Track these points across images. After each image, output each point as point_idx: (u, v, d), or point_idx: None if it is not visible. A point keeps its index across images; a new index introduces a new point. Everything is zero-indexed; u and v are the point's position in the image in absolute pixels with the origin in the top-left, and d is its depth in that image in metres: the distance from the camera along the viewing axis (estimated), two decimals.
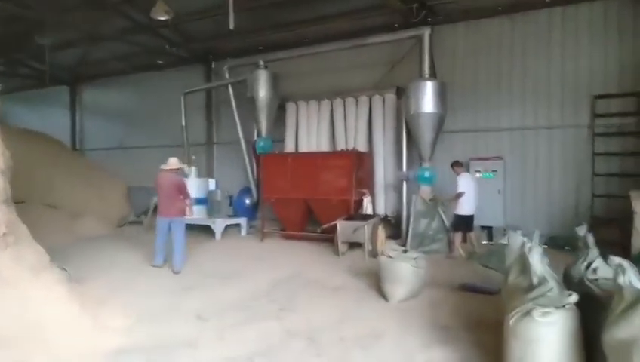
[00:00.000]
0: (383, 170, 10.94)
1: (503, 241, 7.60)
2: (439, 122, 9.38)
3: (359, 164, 10.01)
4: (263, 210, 11.04)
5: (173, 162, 8.00)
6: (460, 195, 8.55)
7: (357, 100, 11.34)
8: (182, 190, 7.91)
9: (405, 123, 10.07)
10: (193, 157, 12.71)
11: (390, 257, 6.07)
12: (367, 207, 9.94)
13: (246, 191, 12.44)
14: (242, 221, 11.90)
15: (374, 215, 9.90)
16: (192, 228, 12.23)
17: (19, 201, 11.45)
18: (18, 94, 19.86)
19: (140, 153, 16.07)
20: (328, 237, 9.46)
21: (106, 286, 6.66)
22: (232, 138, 13.42)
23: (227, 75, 12.30)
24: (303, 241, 10.44)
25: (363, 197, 9.97)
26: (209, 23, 11.75)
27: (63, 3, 11.02)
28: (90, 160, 17.36)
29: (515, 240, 5.12)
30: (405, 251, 6.31)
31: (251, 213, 12.49)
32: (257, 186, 11.93)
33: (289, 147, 12.12)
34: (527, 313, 3.72)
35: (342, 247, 8.78)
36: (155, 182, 8.00)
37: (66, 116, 18.10)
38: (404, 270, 5.93)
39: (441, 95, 9.34)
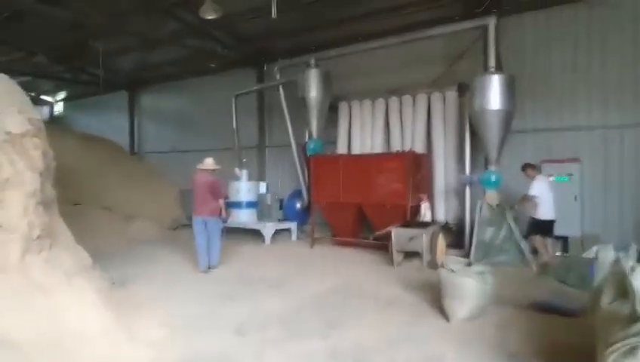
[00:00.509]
0: (443, 174, 10.11)
1: (588, 254, 6.66)
2: (507, 120, 8.45)
3: (416, 166, 9.26)
4: (314, 214, 10.52)
5: (209, 162, 8.00)
6: (531, 199, 7.62)
7: (414, 99, 10.59)
8: (214, 190, 7.87)
9: (469, 122, 9.21)
10: (244, 159, 12.46)
11: (452, 271, 5.33)
12: (425, 214, 9.16)
13: (297, 194, 12.01)
14: (292, 225, 11.47)
15: (433, 222, 9.11)
16: (241, 232, 12.02)
17: (76, 203, 11.86)
18: (80, 101, 20.79)
19: (192, 157, 16.01)
20: (382, 245, 8.79)
21: (146, 292, 6.40)
22: (283, 141, 13.09)
23: (278, 76, 11.95)
24: (355, 248, 9.84)
25: (421, 203, 9.20)
26: (260, 23, 11.46)
27: (117, 8, 11.15)
28: (146, 163, 17.75)
29: (607, 254, 4.28)
30: (469, 264, 5.53)
31: (302, 217, 12.04)
32: (308, 190, 11.46)
33: (341, 149, 11.55)
34: (632, 350, 3.01)
35: (397, 257, 8.08)
36: (192, 182, 8.08)
37: (125, 120, 18.59)
38: (469, 286, 5.17)
39: (509, 90, 8.41)
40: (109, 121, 19.36)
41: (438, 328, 5.13)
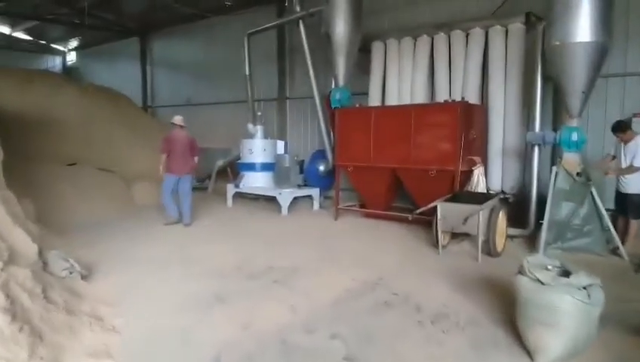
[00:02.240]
0: (501, 131, 8.00)
1: None
2: (599, 58, 6.22)
3: (470, 121, 7.23)
4: (338, 180, 8.68)
5: (180, 119, 8.08)
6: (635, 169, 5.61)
7: (467, 35, 8.36)
8: (195, 148, 8.09)
9: (541, 62, 7.02)
10: (259, 113, 10.63)
11: (540, 282, 3.46)
12: (478, 182, 7.19)
13: (320, 155, 10.18)
14: (314, 192, 9.73)
15: (489, 193, 7.15)
16: (253, 199, 10.44)
17: (71, 163, 10.42)
18: (92, 49, 19.23)
19: (207, 110, 14.46)
20: (421, 219, 6.97)
21: (113, 288, 4.84)
22: (306, 92, 11.14)
23: (298, 8, 9.78)
24: (389, 222, 8.05)
25: (474, 168, 7.22)
26: None
27: None
28: (157, 118, 16.24)
29: None
30: (565, 272, 3.62)
31: (326, 182, 10.27)
32: (333, 150, 9.62)
33: (374, 99, 9.54)
34: None
35: (443, 239, 6.23)
36: (166, 139, 7.91)
37: (138, 71, 16.94)
38: (569, 310, 3.32)
39: (603, 16, 6.14)
40: (121, 72, 17.81)
41: None
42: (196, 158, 8.09)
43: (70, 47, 20.43)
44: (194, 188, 11.83)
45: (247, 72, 10.89)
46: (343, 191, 9.00)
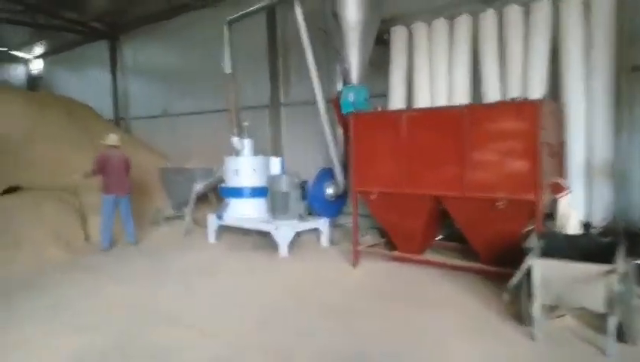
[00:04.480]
0: (583, 140, 5.78)
1: None
2: None
3: (548, 127, 4.98)
4: (356, 210, 6.33)
5: (115, 138, 7.85)
6: None
7: (527, 9, 6.16)
8: (129, 167, 7.93)
9: None
10: (245, 123, 8.32)
11: None
12: (567, 216, 4.94)
13: (326, 175, 7.89)
14: (322, 224, 7.43)
15: (589, 229, 4.88)
16: (242, 234, 8.13)
17: (11, 188, 8.08)
18: (60, 56, 16.91)
19: (186, 122, 12.20)
20: (483, 269, 4.71)
21: None
22: (306, 96, 8.92)
23: None
24: (431, 269, 5.77)
25: (558, 196, 4.97)
26: None
27: None
28: (131, 132, 13.95)
29: None
30: None
31: (335, 208, 8.02)
32: (344, 167, 7.38)
33: (395, 102, 7.30)
34: None
35: (537, 312, 3.91)
36: (99, 160, 7.61)
37: (107, 78, 14.61)
38: None
39: None
40: (91, 81, 15.47)
41: None
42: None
43: (35, 55, 18.07)
44: (168, 218, 9.59)
45: (228, 70, 8.55)
46: (361, 217, 6.70)
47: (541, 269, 3.74)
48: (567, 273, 3.70)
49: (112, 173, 7.59)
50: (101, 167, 7.54)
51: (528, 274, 3.87)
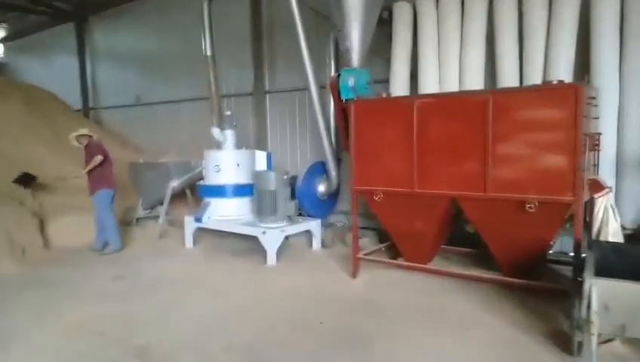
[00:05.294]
0: (615, 130, 5.09)
1: None
2: None
3: (586, 117, 4.24)
4: (355, 212, 5.51)
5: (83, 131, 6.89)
6: None
7: None
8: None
9: None
10: (227, 112, 7.41)
11: None
12: (606, 220, 4.23)
13: (318, 170, 7.06)
14: (314, 226, 6.62)
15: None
16: (224, 237, 7.25)
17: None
18: (22, 41, 15.63)
19: (161, 111, 11.22)
20: (507, 281, 4.05)
21: None
22: (294, 83, 8.08)
23: None
24: (440, 279, 5.02)
25: (596, 196, 4.26)
26: None
27: None
28: (102, 123, 12.91)
29: None
30: None
31: (327, 207, 7.24)
32: (338, 161, 6.58)
33: (398, 87, 6.50)
34: None
35: (594, 346, 3.16)
36: (103, 147, 6.84)
37: (75, 64, 13.43)
38: None
39: None
40: (57, 67, 14.28)
41: None
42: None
43: None
44: (138, 219, 8.67)
45: (207, 52, 7.60)
46: (360, 216, 5.90)
47: (602, 292, 3.00)
48: (635, 296, 2.96)
49: (110, 166, 6.92)
50: (106, 156, 6.78)
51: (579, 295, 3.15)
